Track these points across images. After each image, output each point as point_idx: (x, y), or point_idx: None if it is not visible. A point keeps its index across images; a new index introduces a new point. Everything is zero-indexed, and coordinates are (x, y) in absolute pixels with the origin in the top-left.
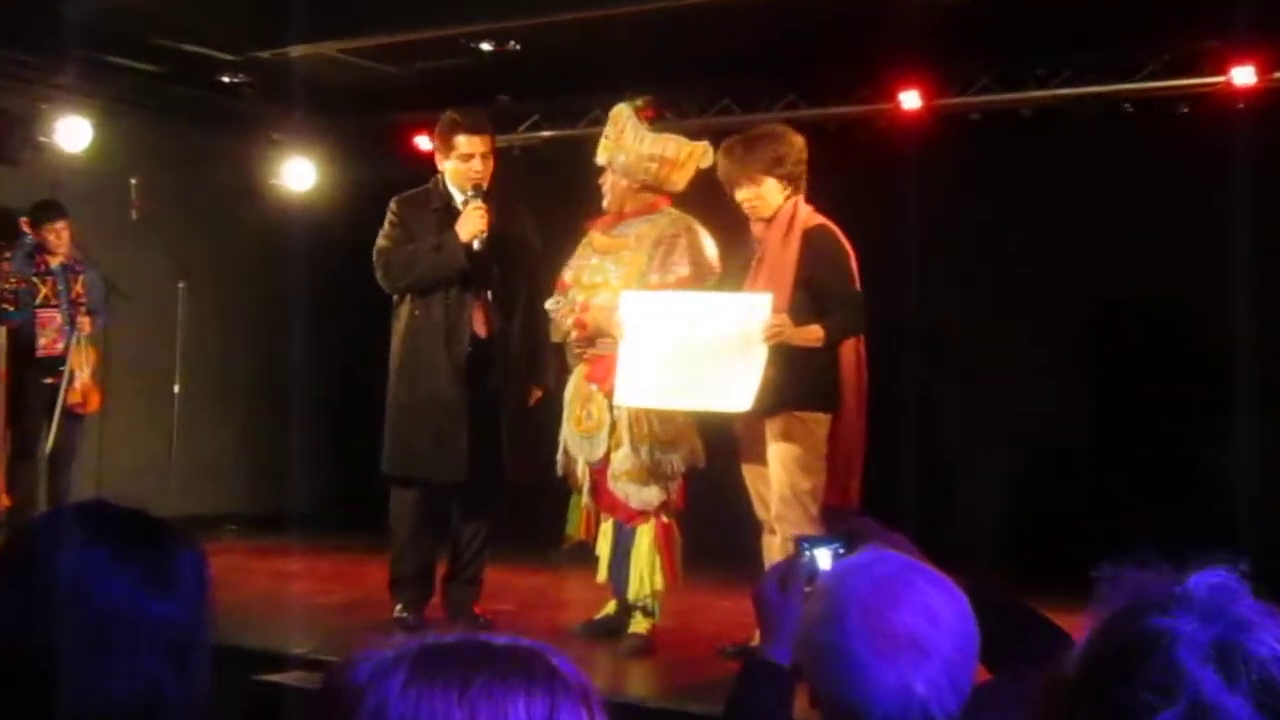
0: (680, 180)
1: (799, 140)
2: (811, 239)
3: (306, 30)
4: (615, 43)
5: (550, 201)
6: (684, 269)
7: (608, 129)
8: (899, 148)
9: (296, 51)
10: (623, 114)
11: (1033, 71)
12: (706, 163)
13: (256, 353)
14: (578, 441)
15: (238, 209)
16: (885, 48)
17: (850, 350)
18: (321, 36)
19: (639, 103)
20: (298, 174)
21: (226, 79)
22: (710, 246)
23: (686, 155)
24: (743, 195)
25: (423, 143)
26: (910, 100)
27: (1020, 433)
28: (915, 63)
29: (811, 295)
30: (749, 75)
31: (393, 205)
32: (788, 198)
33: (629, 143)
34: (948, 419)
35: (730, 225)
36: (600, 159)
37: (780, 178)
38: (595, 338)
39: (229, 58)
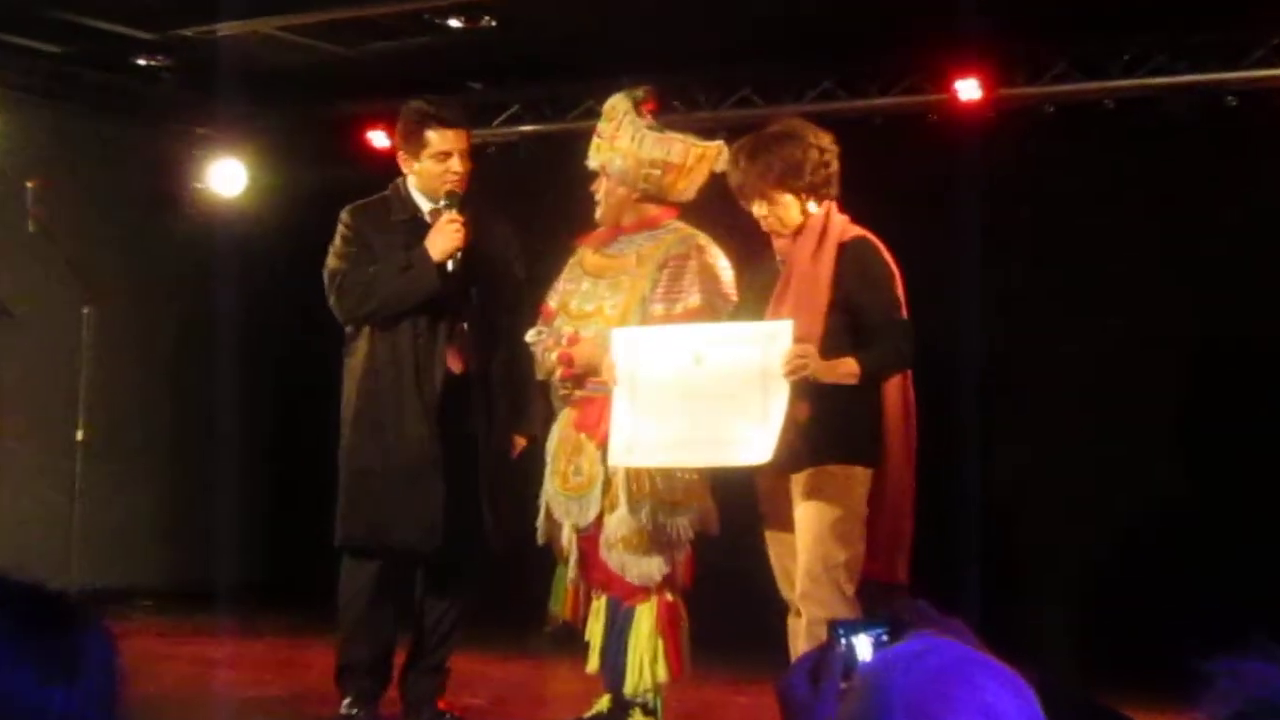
0: (689, 189)
1: (822, 140)
2: (847, 254)
3: (238, 3)
4: (612, 19)
5: (533, 211)
6: (694, 298)
7: (601, 125)
8: (954, 147)
9: (226, 28)
10: (619, 108)
11: (1118, 56)
12: (721, 166)
13: (178, 392)
14: (563, 502)
15: (155, 218)
16: (939, 26)
17: (896, 390)
18: (257, 10)
19: (639, 94)
20: (227, 176)
21: (142, 61)
22: (726, 270)
23: (696, 159)
24: (757, 211)
25: (378, 139)
26: (969, 90)
27: (1101, 496)
28: (975, 44)
29: (847, 322)
30: (774, 58)
31: (345, 217)
32: (814, 210)
33: (626, 144)
34: (1012, 477)
35: (752, 239)
36: (592, 162)
37: (798, 191)
38: (585, 377)
39: (145, 36)
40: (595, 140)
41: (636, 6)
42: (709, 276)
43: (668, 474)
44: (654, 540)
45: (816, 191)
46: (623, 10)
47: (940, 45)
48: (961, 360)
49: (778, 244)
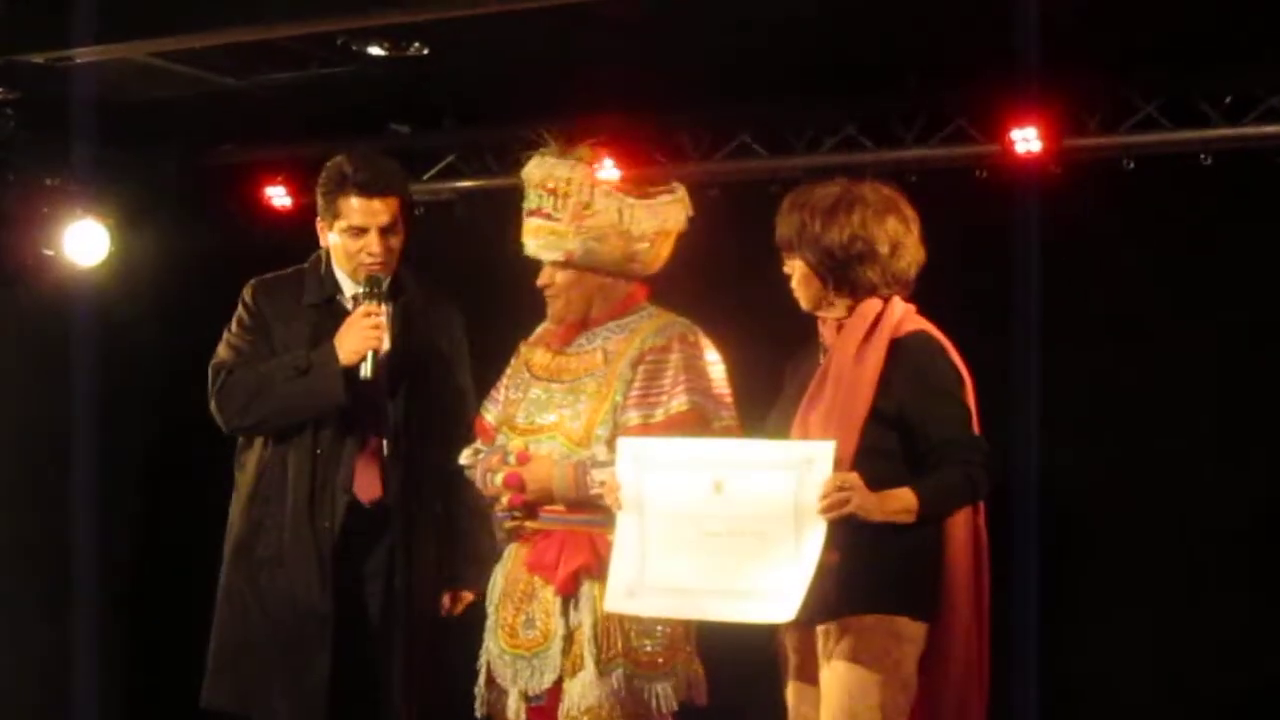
0: (664, 254)
1: (890, 226)
2: (901, 353)
3: (100, 22)
4: (575, 45)
5: (470, 290)
6: (678, 400)
7: (541, 203)
8: (1008, 208)
9: (85, 54)
10: (576, 178)
11: (1219, 98)
12: (686, 213)
13: (17, 517)
14: (510, 663)
15: None
16: (990, 59)
17: (963, 525)
18: (124, 32)
19: (586, 153)
20: (85, 240)
21: None
22: (716, 364)
23: (678, 217)
24: (786, 269)
25: (276, 196)
26: (1027, 139)
27: (1211, 658)
28: (1035, 83)
29: (898, 440)
30: (781, 96)
31: (246, 294)
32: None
33: (609, 222)
34: (1094, 633)
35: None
36: (546, 253)
37: (825, 281)
38: (539, 505)
39: None
40: (539, 224)
41: (606, 28)
42: (695, 373)
43: (646, 627)
44: (627, 712)
45: (855, 293)
46: (588, 35)
47: (992, 83)
48: (1014, 482)
49: (822, 330)
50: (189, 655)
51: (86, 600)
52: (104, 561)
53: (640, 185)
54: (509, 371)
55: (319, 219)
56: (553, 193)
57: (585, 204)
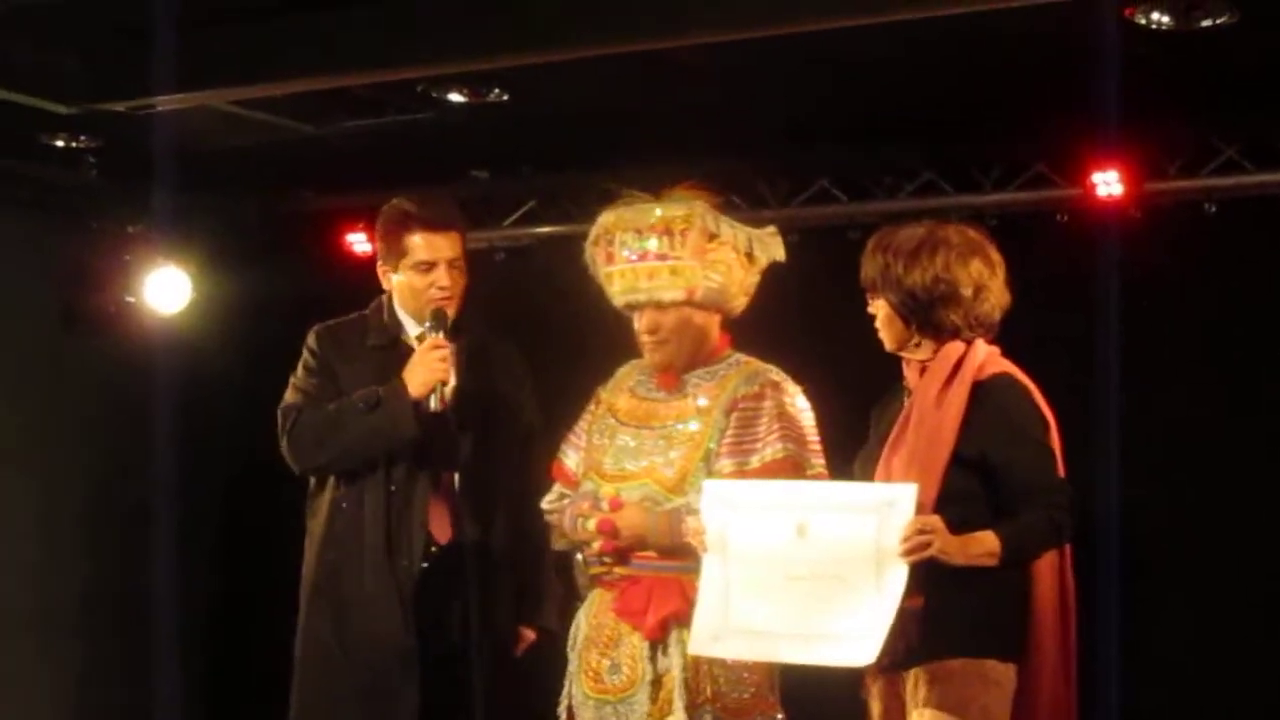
0: (747, 298)
1: (973, 268)
2: (985, 396)
3: (181, 71)
4: (653, 91)
5: (548, 334)
6: (773, 449)
7: (661, 245)
8: (1089, 252)
9: (166, 102)
10: (698, 210)
11: None
12: (778, 255)
13: (96, 567)
14: (595, 709)
15: (71, 342)
16: (1070, 104)
17: (1049, 569)
18: (204, 80)
19: (703, 191)
20: (166, 287)
21: (59, 143)
22: (806, 412)
23: (781, 251)
24: (870, 309)
25: (357, 243)
26: (1108, 184)
27: None
28: (1116, 127)
29: (983, 484)
30: (859, 142)
31: (311, 340)
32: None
33: (730, 255)
34: (1174, 673)
35: (842, 353)
36: (668, 292)
37: (908, 322)
38: (630, 551)
39: (62, 110)
40: (649, 265)
41: (684, 75)
42: (788, 420)
43: (733, 674)
44: None
45: (939, 335)
46: (666, 81)
47: (1073, 127)
48: (1098, 526)
49: (907, 373)
50: (269, 698)
51: (167, 646)
52: (184, 608)
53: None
54: (588, 417)
55: (380, 263)
56: (667, 233)
57: (711, 235)
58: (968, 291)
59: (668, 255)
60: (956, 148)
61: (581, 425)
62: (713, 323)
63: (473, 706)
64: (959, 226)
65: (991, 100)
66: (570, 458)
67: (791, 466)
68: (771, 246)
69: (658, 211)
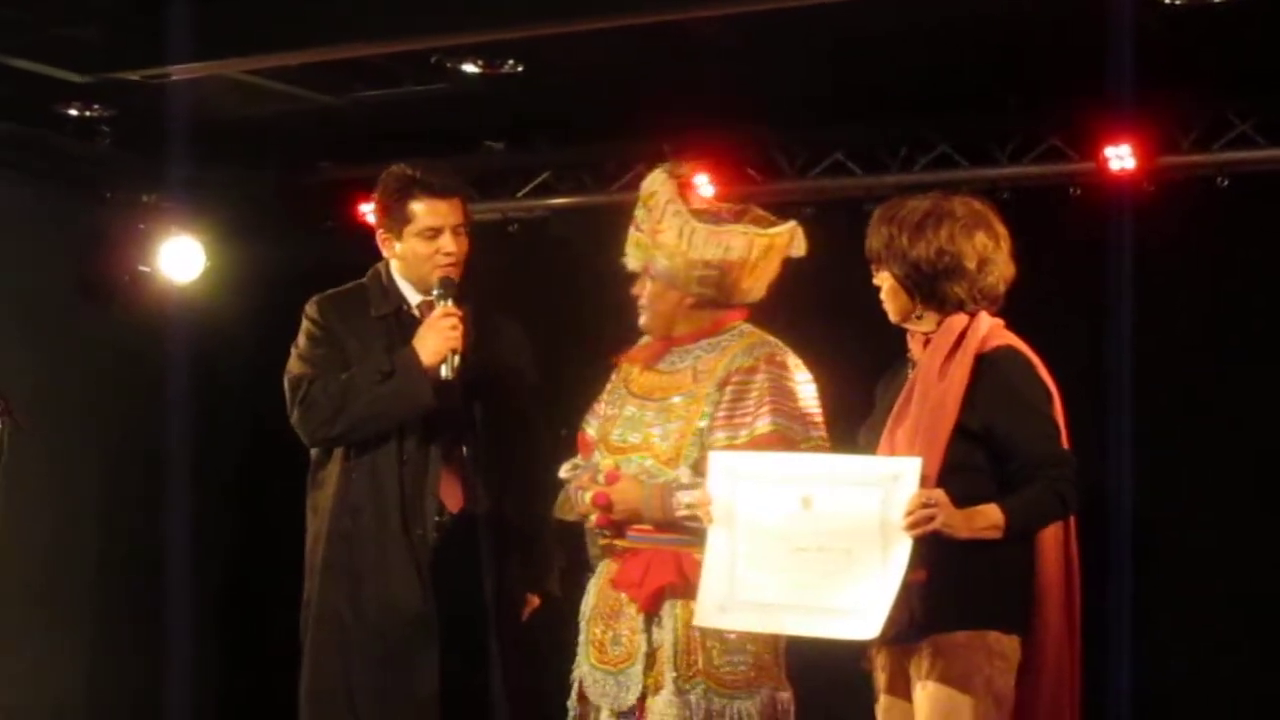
0: (756, 286)
1: (978, 240)
2: (987, 369)
3: (196, 40)
4: (671, 63)
5: (567, 306)
6: (763, 423)
7: (639, 214)
8: (1102, 226)
9: (181, 71)
10: (659, 195)
11: None
12: (799, 251)
13: (112, 533)
14: (599, 680)
15: (86, 311)
16: (1084, 79)
17: (1053, 542)
18: (220, 49)
19: (682, 170)
20: (180, 257)
21: (73, 112)
22: (805, 384)
23: (762, 251)
24: (875, 280)
25: (371, 213)
26: (1121, 158)
27: None
28: (1130, 102)
29: (987, 457)
30: (876, 115)
31: (311, 310)
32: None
33: (672, 241)
34: (1185, 644)
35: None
36: (631, 262)
37: (911, 294)
38: (626, 524)
39: (77, 79)
40: (633, 233)
41: (700, 47)
42: (782, 394)
43: (732, 646)
44: None
45: (943, 307)
46: (684, 51)
47: (1086, 102)
48: (1109, 502)
49: (912, 346)
50: (282, 669)
51: (179, 615)
52: (197, 576)
53: (734, 212)
54: (609, 386)
55: (382, 231)
56: (643, 205)
57: (660, 218)
58: (972, 264)
59: (639, 226)
60: (971, 121)
61: (603, 395)
62: (694, 302)
63: (489, 672)
64: (964, 198)
65: (1006, 74)
66: (591, 426)
67: (781, 441)
68: (725, 241)
69: (645, 182)
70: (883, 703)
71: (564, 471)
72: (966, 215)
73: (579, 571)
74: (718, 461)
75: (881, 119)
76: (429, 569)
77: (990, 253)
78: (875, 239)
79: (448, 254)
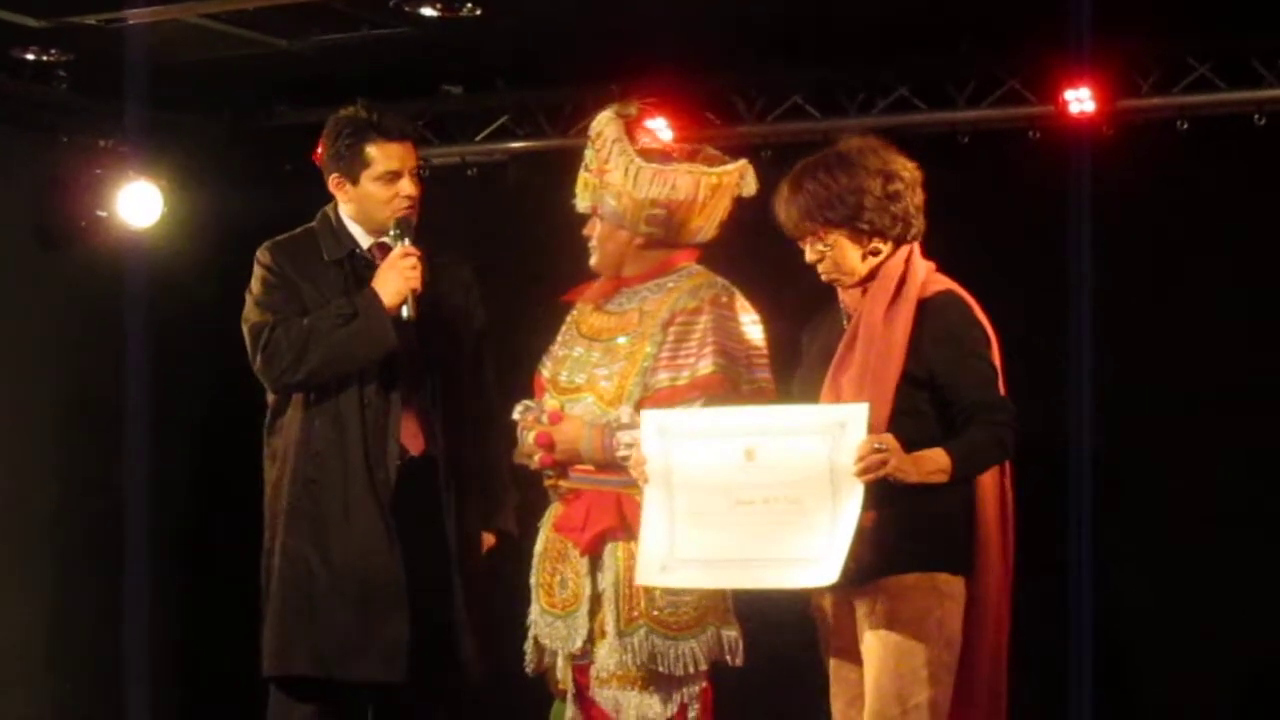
0: (706, 226)
1: (892, 164)
2: (929, 314)
3: None
4: (631, 7)
5: (525, 249)
6: (705, 364)
7: (587, 155)
8: (1061, 170)
9: (138, 15)
10: (606, 134)
11: (1272, 60)
12: (749, 190)
13: (69, 486)
14: (550, 623)
15: (42, 256)
16: (1043, 21)
17: (991, 485)
18: None
19: (630, 110)
20: (138, 201)
21: (30, 56)
22: (751, 325)
23: (710, 190)
24: (809, 257)
25: None
26: (1080, 101)
27: (1249, 640)
28: (1088, 44)
29: (927, 400)
30: (834, 58)
31: (264, 256)
32: (886, 256)
33: (618, 180)
34: (1136, 605)
35: (817, 285)
36: (580, 203)
37: (857, 231)
38: (568, 465)
39: (33, 24)
40: (581, 174)
41: None
42: (726, 334)
43: (674, 590)
44: (654, 672)
45: (884, 234)
46: None
47: (1045, 44)
48: (1068, 446)
49: (843, 296)
50: (244, 621)
51: (136, 564)
52: (156, 525)
53: (684, 152)
54: (563, 327)
55: (336, 175)
56: (591, 145)
57: (608, 158)
58: (907, 174)
59: (587, 166)
60: (929, 64)
61: (559, 335)
62: (643, 243)
63: (453, 610)
64: (850, 140)
65: (965, 17)
66: (546, 368)
67: (723, 382)
68: (670, 181)
69: (593, 124)
70: (832, 651)
71: (516, 412)
72: (866, 143)
73: (539, 512)
74: (650, 420)
75: (840, 62)
76: (392, 512)
77: (907, 169)
78: (794, 209)
79: (407, 196)
